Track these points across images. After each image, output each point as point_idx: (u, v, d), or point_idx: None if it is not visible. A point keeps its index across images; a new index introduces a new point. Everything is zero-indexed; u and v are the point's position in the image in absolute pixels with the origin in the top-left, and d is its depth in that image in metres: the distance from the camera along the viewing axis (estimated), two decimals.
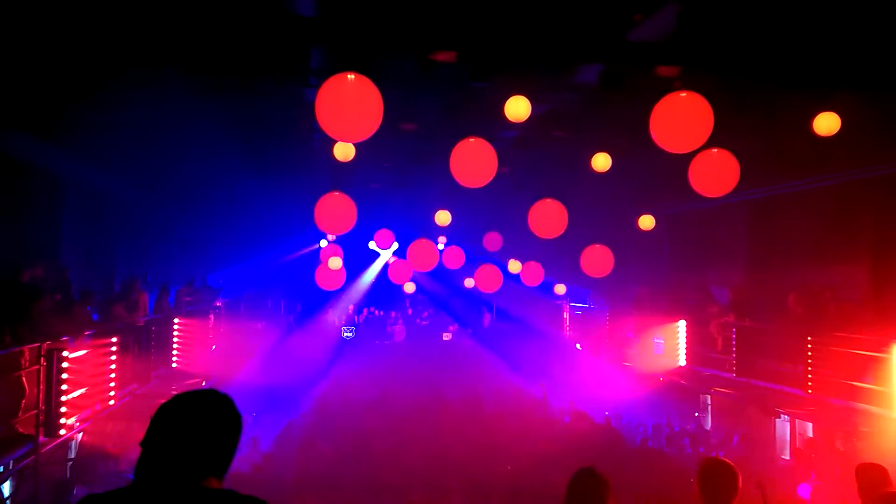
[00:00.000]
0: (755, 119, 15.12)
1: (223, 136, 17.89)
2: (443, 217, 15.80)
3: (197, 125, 17.53)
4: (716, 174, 7.79)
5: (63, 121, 14.13)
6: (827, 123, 10.71)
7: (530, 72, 12.55)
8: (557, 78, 12.70)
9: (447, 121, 14.27)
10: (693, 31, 9.48)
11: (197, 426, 1.94)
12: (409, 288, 23.58)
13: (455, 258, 16.90)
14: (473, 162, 8.69)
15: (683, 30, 9.58)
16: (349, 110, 6.30)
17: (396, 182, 22.51)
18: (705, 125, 6.50)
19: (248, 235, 25.14)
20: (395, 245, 21.74)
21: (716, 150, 7.69)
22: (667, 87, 7.56)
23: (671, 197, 20.28)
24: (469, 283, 20.02)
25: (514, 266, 18.50)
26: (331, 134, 6.59)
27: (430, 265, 13.83)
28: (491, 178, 8.70)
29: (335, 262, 14.83)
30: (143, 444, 1.94)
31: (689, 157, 7.51)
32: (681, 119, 6.68)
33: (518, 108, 10.93)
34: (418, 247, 14.01)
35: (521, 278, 16.36)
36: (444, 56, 10.60)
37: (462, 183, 8.68)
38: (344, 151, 13.16)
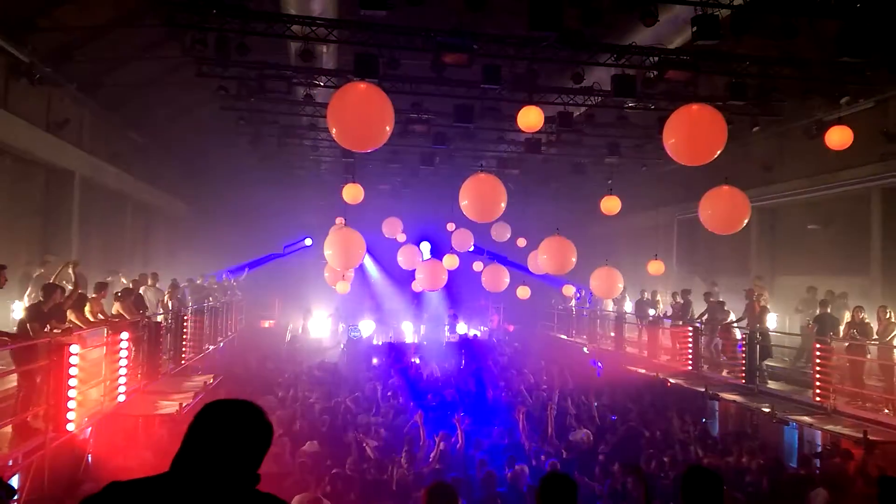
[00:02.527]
0: (766, 125, 15.12)
1: (242, 146, 18.06)
2: (450, 261, 16.16)
3: (218, 137, 17.70)
4: (726, 211, 7.70)
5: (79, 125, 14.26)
6: (839, 137, 10.69)
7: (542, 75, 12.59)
8: (568, 80, 12.73)
9: (458, 122, 14.34)
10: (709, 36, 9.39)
11: (236, 433, 1.94)
12: (417, 286, 23.62)
13: (464, 241, 17.07)
14: (483, 198, 8.61)
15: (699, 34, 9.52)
16: (360, 120, 6.25)
17: (406, 182, 22.62)
18: (719, 137, 6.41)
19: (260, 236, 25.27)
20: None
21: (726, 187, 7.60)
22: (681, 95, 7.52)
23: (681, 201, 20.24)
24: (478, 266, 20.16)
25: (523, 292, 18.70)
26: (342, 143, 6.57)
27: (439, 285, 14.15)
28: (500, 213, 8.70)
29: (343, 287, 15.66)
30: (183, 446, 1.94)
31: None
32: (694, 132, 6.57)
33: (529, 118, 10.98)
34: (427, 267, 14.15)
35: (528, 267, 16.41)
36: (454, 58, 10.64)
37: (472, 218, 8.66)
38: (353, 194, 13.54)
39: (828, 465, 9.43)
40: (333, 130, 6.35)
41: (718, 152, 6.56)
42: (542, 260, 11.08)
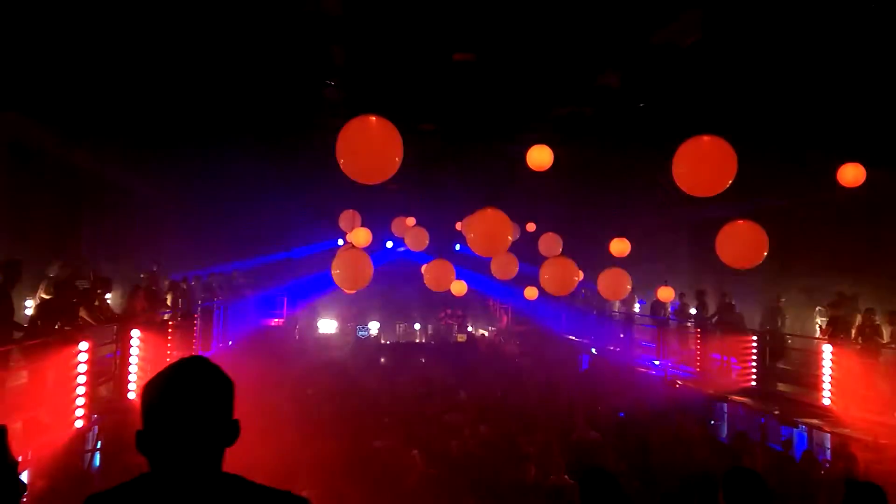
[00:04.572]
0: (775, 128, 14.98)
1: (246, 141, 18.03)
2: (458, 287, 16.23)
3: (221, 130, 17.68)
4: (744, 246, 7.57)
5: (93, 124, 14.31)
6: (853, 174, 10.61)
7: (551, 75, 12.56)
8: (579, 81, 12.68)
9: (467, 122, 14.31)
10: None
11: (196, 397, 1.71)
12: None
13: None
14: (490, 233, 8.39)
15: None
16: (370, 153, 6.19)
17: (415, 182, 22.57)
18: (728, 170, 6.30)
19: (267, 233, 25.29)
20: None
21: (742, 221, 7.49)
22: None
23: (693, 205, 20.11)
24: None
25: (531, 293, 18.65)
26: (351, 176, 6.51)
27: (445, 287, 13.93)
28: (506, 248, 8.52)
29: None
30: (145, 424, 1.74)
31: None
32: (703, 163, 6.46)
33: (541, 156, 10.91)
34: (434, 267, 13.94)
35: (539, 250, 16.30)
36: (462, 56, 10.61)
37: (478, 253, 8.51)
38: (362, 239, 13.66)
39: (835, 468, 9.37)
40: (341, 161, 6.30)
41: (729, 183, 6.45)
42: (544, 281, 10.94)
